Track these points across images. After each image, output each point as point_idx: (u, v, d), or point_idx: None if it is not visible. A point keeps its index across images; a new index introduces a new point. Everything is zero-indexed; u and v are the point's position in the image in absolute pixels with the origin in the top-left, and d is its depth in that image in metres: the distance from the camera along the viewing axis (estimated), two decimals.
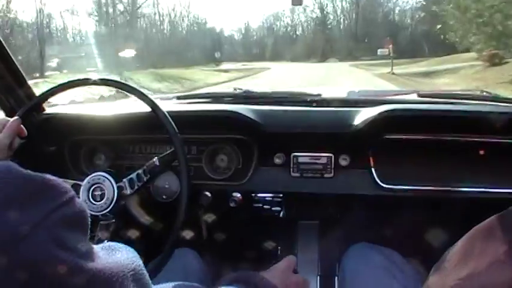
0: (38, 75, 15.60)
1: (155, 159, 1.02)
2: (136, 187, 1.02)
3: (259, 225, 1.35)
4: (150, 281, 0.51)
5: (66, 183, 0.99)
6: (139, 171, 1.02)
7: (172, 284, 0.67)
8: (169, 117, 0.98)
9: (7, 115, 1.18)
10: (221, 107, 1.27)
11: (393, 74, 19.34)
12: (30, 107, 1.10)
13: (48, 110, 1.28)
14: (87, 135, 1.29)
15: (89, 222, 0.45)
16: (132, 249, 0.53)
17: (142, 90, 1.05)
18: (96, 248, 0.45)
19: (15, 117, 0.99)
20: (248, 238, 1.34)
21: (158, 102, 1.02)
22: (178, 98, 1.45)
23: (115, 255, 0.48)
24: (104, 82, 1.08)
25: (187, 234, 1.18)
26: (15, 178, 0.40)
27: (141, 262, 0.50)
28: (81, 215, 0.44)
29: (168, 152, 1.02)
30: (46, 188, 0.42)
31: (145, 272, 0.50)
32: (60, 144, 1.30)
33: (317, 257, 1.28)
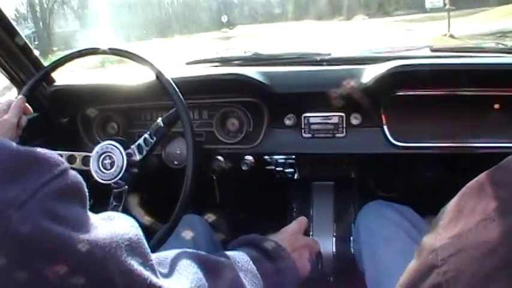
0: None
1: (159, 120, 1.11)
2: (145, 152, 1.11)
3: (273, 187, 1.50)
4: (149, 250, 0.54)
5: (69, 154, 1.16)
6: (146, 135, 1.11)
7: (174, 251, 0.70)
8: (171, 82, 1.09)
9: (18, 88, 1.35)
10: (230, 70, 1.37)
11: (451, 36, 14.17)
12: (36, 80, 1.23)
13: (58, 81, 1.42)
14: (99, 105, 1.43)
15: (87, 193, 0.49)
16: (131, 219, 0.57)
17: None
18: (94, 218, 0.48)
19: (20, 96, 1.14)
20: (262, 201, 1.48)
21: (166, 68, 1.14)
22: (188, 63, 1.58)
23: (111, 225, 0.51)
24: (113, 51, 1.19)
25: (200, 198, 1.29)
26: (7, 152, 0.44)
27: (139, 231, 0.54)
28: (76, 187, 0.47)
29: (170, 111, 1.10)
30: (38, 161, 0.45)
31: (143, 241, 0.53)
32: (72, 115, 1.45)
33: (332, 217, 1.41)
